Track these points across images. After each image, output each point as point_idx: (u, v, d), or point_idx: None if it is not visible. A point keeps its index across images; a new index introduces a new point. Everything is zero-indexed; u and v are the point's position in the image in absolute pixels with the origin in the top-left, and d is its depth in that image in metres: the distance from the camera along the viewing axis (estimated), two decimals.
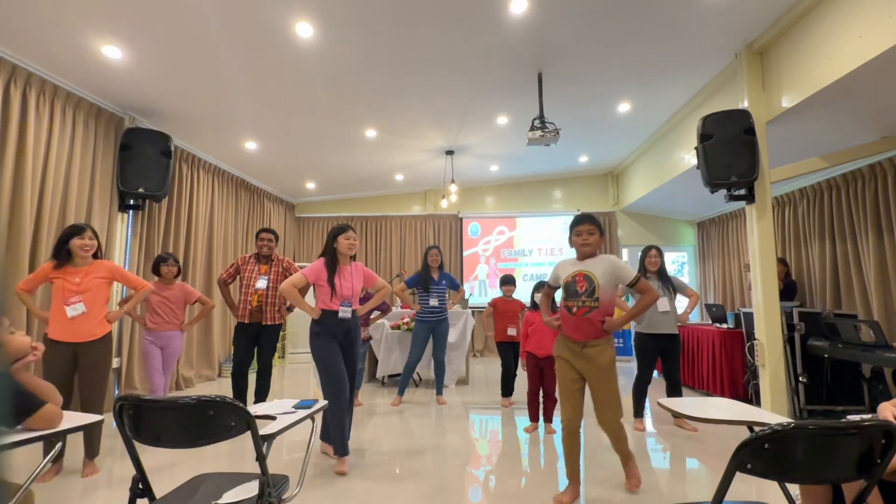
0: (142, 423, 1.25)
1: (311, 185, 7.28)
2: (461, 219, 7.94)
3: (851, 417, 1.58)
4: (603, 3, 3.17)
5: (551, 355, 3.31)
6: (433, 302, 4.29)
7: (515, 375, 4.27)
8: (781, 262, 4.82)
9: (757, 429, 1.24)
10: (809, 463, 1.04)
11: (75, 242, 2.66)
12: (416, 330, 4.36)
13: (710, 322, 5.12)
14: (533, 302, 3.60)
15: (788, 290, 4.64)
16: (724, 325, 4.65)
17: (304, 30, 3.29)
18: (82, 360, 2.64)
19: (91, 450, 2.70)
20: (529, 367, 3.50)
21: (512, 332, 4.05)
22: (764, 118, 3.66)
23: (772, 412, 3.22)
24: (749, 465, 1.03)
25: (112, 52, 3.40)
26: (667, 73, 4.22)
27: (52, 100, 3.67)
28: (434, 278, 4.34)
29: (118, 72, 3.68)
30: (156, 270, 3.57)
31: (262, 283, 3.64)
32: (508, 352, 4.16)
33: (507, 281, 4.21)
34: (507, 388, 4.25)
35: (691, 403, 1.74)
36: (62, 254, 2.67)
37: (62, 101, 3.76)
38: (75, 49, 3.34)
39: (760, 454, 1.02)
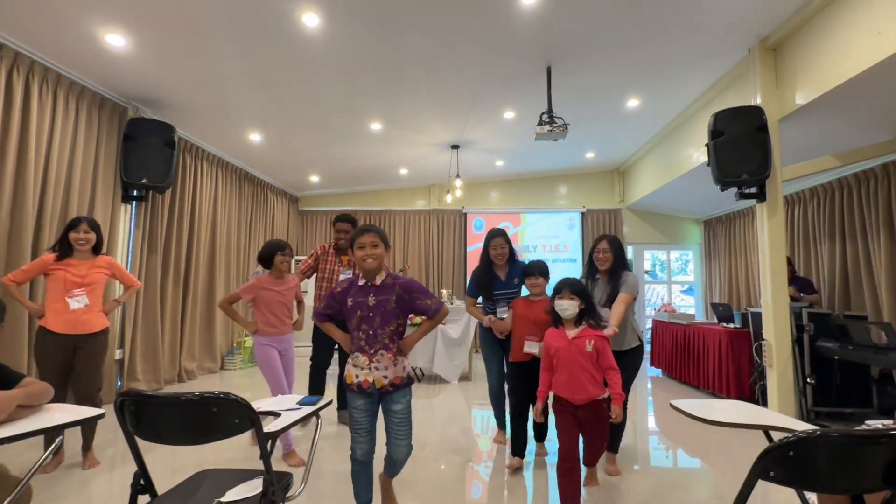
0: (143, 419, 1.22)
1: (314, 179, 7.24)
2: (465, 214, 7.89)
3: (870, 423, 1.54)
4: None
5: (595, 399, 2.07)
6: (502, 314, 2.90)
7: (526, 420, 2.69)
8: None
9: (776, 435, 1.20)
10: (834, 472, 1.00)
11: (71, 235, 2.64)
12: (484, 342, 3.05)
13: (717, 321, 5.07)
14: (555, 314, 2.19)
15: (805, 286, 4.47)
16: (731, 325, 4.61)
17: (310, 20, 3.24)
18: (81, 352, 2.62)
19: (87, 442, 2.69)
20: (561, 419, 2.11)
21: (532, 347, 2.54)
22: (777, 115, 3.60)
23: (779, 413, 3.18)
24: (772, 473, 0.99)
25: (115, 40, 3.35)
26: (678, 69, 4.14)
27: (54, 89, 3.63)
28: (500, 278, 2.96)
29: (121, 60, 3.63)
30: (267, 262, 2.87)
31: (346, 276, 3.29)
32: (522, 380, 2.65)
33: (532, 271, 2.70)
34: (520, 445, 2.69)
35: (702, 405, 1.69)
36: (63, 246, 2.64)
37: (65, 90, 3.72)
38: (78, 36, 3.30)
39: (784, 462, 0.98)
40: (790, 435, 0.98)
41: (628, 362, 2.55)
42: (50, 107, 3.58)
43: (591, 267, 2.76)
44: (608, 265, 2.65)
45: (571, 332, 2.12)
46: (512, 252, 2.99)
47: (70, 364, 2.61)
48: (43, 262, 2.62)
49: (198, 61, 3.73)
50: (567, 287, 2.14)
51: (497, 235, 2.97)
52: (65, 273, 2.61)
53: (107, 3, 2.98)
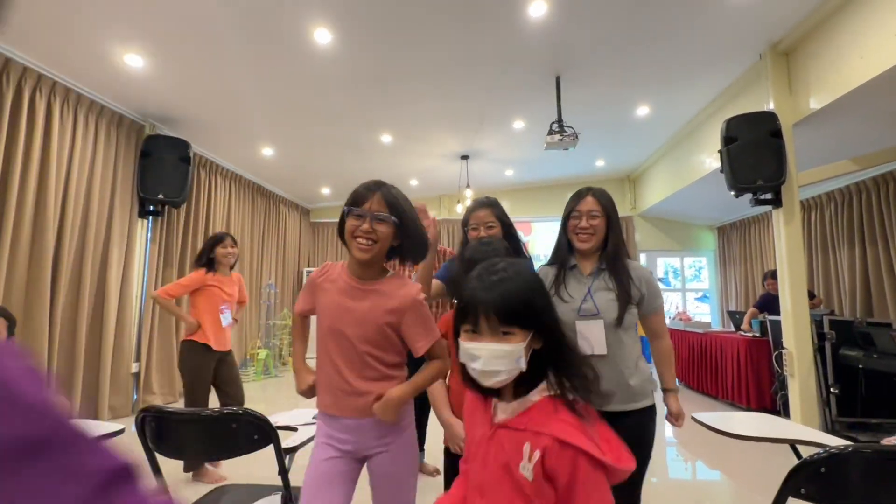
0: (164, 436, 1.22)
1: (325, 191, 7.31)
2: None
3: None
4: (623, 6, 3.11)
5: None
6: None
7: None
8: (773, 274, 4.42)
9: (803, 449, 1.17)
10: (868, 489, 0.97)
11: (219, 251, 2.66)
12: None
13: (734, 330, 4.98)
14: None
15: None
16: (750, 334, 4.51)
17: (323, 36, 3.29)
18: (225, 366, 2.68)
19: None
20: None
21: None
22: (791, 120, 3.56)
23: (803, 425, 3.09)
24: (803, 490, 0.96)
25: (134, 60, 3.44)
26: (688, 76, 4.13)
27: (75, 108, 3.73)
28: None
29: (139, 80, 3.73)
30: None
31: None
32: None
33: (473, 260, 1.30)
34: None
35: (725, 418, 1.66)
36: (211, 262, 2.67)
37: (85, 109, 3.82)
38: (98, 58, 3.39)
39: (815, 479, 0.95)
40: (821, 451, 0.95)
41: (640, 431, 1.34)
42: (70, 126, 3.68)
43: (563, 247, 1.52)
44: (597, 241, 1.44)
45: (502, 411, 0.83)
46: (510, 233, 1.75)
47: (214, 378, 2.68)
48: (201, 278, 2.63)
49: (212, 78, 3.81)
50: (488, 298, 0.81)
51: (483, 207, 1.75)
52: (219, 290, 2.64)
53: (126, 25, 3.07)
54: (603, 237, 1.46)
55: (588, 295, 1.40)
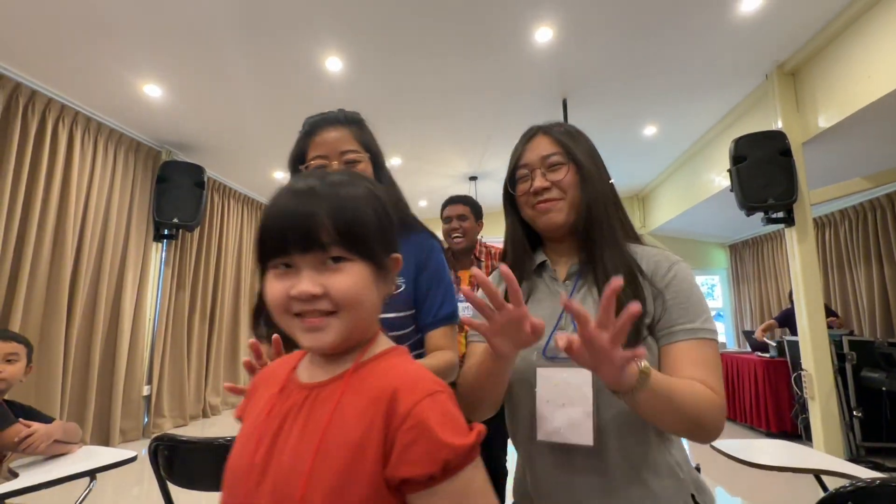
0: (176, 465, 1.22)
1: None
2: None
3: None
4: (629, 29, 3.17)
5: None
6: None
7: None
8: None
9: (828, 479, 1.13)
10: None
11: None
12: None
13: (750, 350, 4.88)
14: None
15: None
16: (767, 355, 4.41)
17: (334, 64, 3.39)
18: None
19: None
20: None
21: None
22: (800, 139, 3.55)
23: (825, 451, 2.99)
24: None
25: (152, 90, 3.57)
26: (694, 96, 4.16)
27: (95, 136, 3.85)
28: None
29: (157, 109, 3.85)
30: None
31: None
32: None
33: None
34: None
35: (746, 446, 1.62)
36: None
37: (105, 137, 3.94)
38: (120, 89, 3.52)
39: None
40: (847, 483, 0.92)
41: None
42: (90, 153, 3.79)
43: (517, 238, 0.91)
44: (571, 208, 0.82)
45: None
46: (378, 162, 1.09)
47: None
48: None
49: (226, 105, 3.93)
50: None
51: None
52: None
53: (146, 57, 3.20)
54: (580, 202, 0.81)
55: (564, 316, 0.77)
